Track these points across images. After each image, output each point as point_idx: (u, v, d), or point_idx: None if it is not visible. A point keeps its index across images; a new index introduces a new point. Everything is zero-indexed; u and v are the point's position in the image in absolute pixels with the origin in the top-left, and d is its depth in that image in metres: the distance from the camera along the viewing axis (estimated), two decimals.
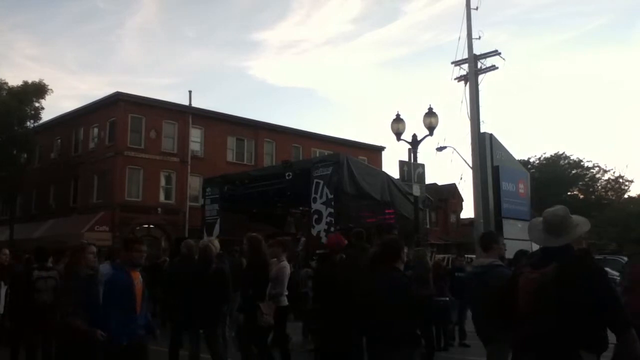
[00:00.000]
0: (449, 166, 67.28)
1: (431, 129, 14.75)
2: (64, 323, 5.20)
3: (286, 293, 7.35)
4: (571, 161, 47.20)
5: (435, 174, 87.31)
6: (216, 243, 7.82)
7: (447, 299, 10.31)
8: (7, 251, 9.84)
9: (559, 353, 3.31)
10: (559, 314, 3.27)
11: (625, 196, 48.73)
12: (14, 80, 64.59)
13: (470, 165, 21.39)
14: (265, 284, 6.89)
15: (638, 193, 52.57)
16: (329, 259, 6.74)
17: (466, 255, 15.67)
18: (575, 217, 3.69)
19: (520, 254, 7.52)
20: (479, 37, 21.44)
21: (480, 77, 21.93)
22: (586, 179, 47.75)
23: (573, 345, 3.27)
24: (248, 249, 7.37)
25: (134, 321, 5.10)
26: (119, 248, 5.53)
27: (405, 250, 6.28)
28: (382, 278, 4.81)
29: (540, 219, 3.72)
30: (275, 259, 7.36)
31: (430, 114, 14.72)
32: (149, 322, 5.42)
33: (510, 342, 3.67)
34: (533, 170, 41.19)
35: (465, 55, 21.71)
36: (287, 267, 7.41)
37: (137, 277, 5.22)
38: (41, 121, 32.61)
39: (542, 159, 47.43)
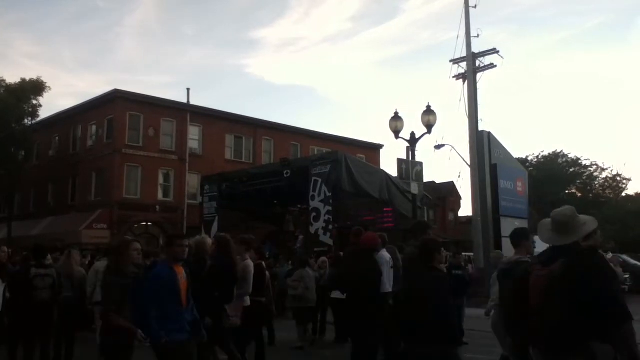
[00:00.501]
0: (447, 164, 67.53)
1: (429, 127, 14.76)
2: (106, 320, 5.13)
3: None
4: (569, 159, 47.22)
5: (434, 172, 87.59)
6: (208, 240, 7.82)
7: None
8: (5, 249, 9.84)
9: (567, 346, 3.42)
10: (566, 308, 3.38)
11: (623, 194, 48.84)
12: (12, 78, 64.44)
13: (469, 163, 21.43)
14: (232, 285, 6.77)
15: (636, 191, 52.84)
16: (368, 258, 6.66)
17: (464, 254, 15.69)
18: (583, 217, 3.81)
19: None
20: (478, 36, 21.51)
21: (479, 75, 21.96)
22: (584, 178, 47.79)
23: (582, 337, 3.38)
24: (216, 249, 7.21)
25: (181, 316, 5.01)
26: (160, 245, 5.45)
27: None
28: (423, 277, 4.91)
29: (549, 219, 3.83)
30: (239, 257, 7.32)
31: (429, 112, 14.72)
32: (196, 319, 5.31)
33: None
34: (531, 169, 41.20)
35: (464, 54, 21.75)
36: (250, 265, 7.35)
37: (181, 272, 5.14)
38: (39, 119, 32.63)
39: (540, 157, 47.46)
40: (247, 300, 7.33)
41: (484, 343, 10.44)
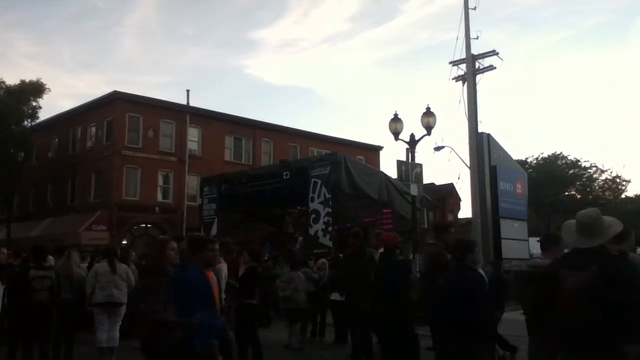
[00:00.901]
0: (447, 166, 67.44)
1: (429, 128, 14.75)
2: (154, 321, 4.95)
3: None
4: (568, 161, 47.20)
5: (433, 174, 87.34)
6: None
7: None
8: (5, 250, 9.83)
9: (601, 348, 3.46)
10: (602, 312, 3.43)
11: (623, 196, 48.85)
12: (12, 79, 64.45)
13: (468, 165, 21.41)
14: None
15: (635, 193, 52.70)
16: (389, 257, 6.65)
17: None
18: (607, 218, 3.83)
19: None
20: (477, 37, 21.46)
21: (478, 77, 21.93)
22: (583, 179, 47.77)
23: (615, 340, 3.44)
24: (188, 250, 7.25)
25: (214, 322, 4.89)
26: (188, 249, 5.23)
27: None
28: (456, 276, 5.01)
29: (574, 221, 3.86)
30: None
31: (428, 113, 14.72)
32: (224, 325, 5.23)
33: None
34: (530, 170, 41.18)
35: (463, 55, 21.71)
36: (222, 269, 7.22)
37: (212, 277, 5.03)
38: (39, 120, 32.60)
39: (539, 158, 47.42)
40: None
41: None
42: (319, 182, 15.83)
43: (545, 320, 3.94)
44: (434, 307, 5.29)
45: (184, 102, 33.03)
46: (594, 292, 3.47)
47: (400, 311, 5.96)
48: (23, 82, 31.15)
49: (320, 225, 15.58)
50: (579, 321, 3.52)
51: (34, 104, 31.49)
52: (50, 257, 8.33)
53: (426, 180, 16.14)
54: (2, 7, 76.51)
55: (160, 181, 31.73)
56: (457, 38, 21.82)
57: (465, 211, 60.63)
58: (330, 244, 15.49)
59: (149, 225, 30.61)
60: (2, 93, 30.64)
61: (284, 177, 17.42)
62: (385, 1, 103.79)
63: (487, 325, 4.73)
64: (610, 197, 46.97)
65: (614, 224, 3.80)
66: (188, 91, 33.36)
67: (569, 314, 3.58)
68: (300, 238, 18.43)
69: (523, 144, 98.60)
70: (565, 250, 5.64)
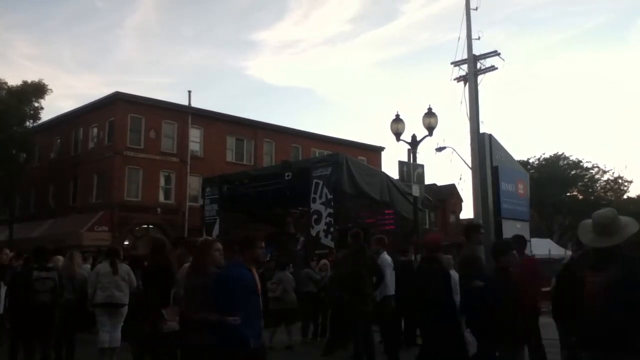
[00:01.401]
0: (449, 166, 67.55)
1: (430, 129, 14.74)
2: (196, 321, 4.97)
3: None
4: (570, 162, 47.15)
5: (435, 174, 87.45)
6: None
7: None
8: (7, 251, 9.84)
9: (624, 347, 3.51)
10: (627, 312, 3.47)
11: (625, 197, 48.75)
12: (12, 79, 64.55)
13: (470, 165, 21.39)
14: (168, 289, 6.56)
15: (637, 193, 52.64)
16: (435, 259, 6.65)
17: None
18: (624, 218, 3.86)
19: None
20: (479, 38, 21.43)
21: (480, 77, 21.93)
22: (585, 180, 47.71)
23: (638, 340, 3.50)
24: (151, 252, 7.07)
25: (259, 321, 4.86)
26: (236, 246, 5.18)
27: None
28: (493, 279, 5.20)
29: (590, 221, 3.89)
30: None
31: (430, 114, 14.72)
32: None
33: None
34: (532, 171, 41.15)
35: (465, 56, 21.70)
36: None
37: (256, 275, 5.01)
38: (40, 121, 32.63)
39: (541, 159, 47.39)
40: None
41: None
42: (321, 182, 15.83)
43: (566, 319, 4.00)
44: (472, 309, 5.36)
45: (185, 103, 33.07)
46: (616, 293, 3.50)
47: (443, 313, 5.96)
48: (25, 82, 31.20)
49: (322, 226, 15.58)
50: (602, 322, 3.56)
51: (36, 104, 31.55)
52: (59, 257, 8.34)
53: (428, 180, 16.12)
54: (2, 7, 76.71)
55: (162, 182, 31.76)
56: (459, 38, 21.79)
57: (467, 212, 60.41)
58: (332, 244, 15.48)
59: (150, 226, 30.63)
60: (4, 94, 30.68)
61: (286, 178, 17.41)
62: (385, 2, 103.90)
63: (514, 329, 4.81)
64: (612, 198, 46.85)
65: (630, 224, 3.82)
66: (190, 92, 33.40)
67: (591, 315, 3.61)
68: (302, 239, 18.42)
69: (525, 144, 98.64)
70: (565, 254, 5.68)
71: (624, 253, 3.73)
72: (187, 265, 7.21)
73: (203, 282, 5.06)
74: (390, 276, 9.04)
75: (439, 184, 46.79)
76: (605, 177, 47.98)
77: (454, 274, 8.65)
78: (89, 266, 10.96)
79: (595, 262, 3.76)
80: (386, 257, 9.15)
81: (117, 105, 30.44)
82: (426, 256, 6.76)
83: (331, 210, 15.52)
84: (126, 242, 27.96)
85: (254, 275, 4.90)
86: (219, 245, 5.49)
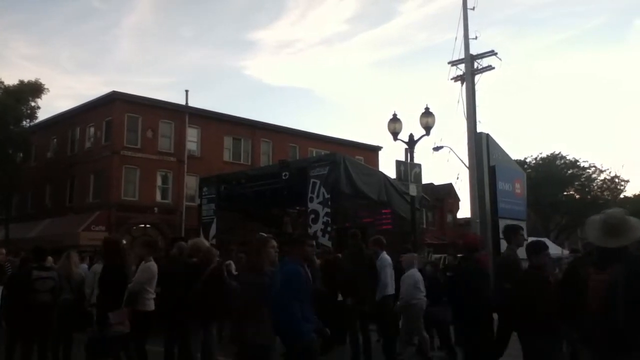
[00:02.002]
0: (446, 166, 67.52)
1: (428, 128, 14.78)
2: (253, 317, 5.04)
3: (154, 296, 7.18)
4: (567, 161, 47.18)
5: (432, 174, 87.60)
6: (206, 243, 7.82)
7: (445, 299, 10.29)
8: (4, 250, 9.83)
9: (628, 347, 3.53)
10: (630, 312, 3.48)
11: (621, 196, 48.80)
12: (10, 79, 64.40)
13: (467, 165, 21.43)
14: (120, 291, 6.50)
15: (634, 193, 52.77)
16: (469, 259, 6.66)
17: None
18: (633, 220, 3.86)
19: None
20: (476, 38, 21.48)
21: (477, 77, 21.96)
22: (582, 179, 47.74)
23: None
24: (104, 252, 7.02)
25: (312, 316, 4.94)
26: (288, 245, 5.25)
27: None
28: (526, 277, 5.36)
29: (598, 217, 3.89)
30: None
31: (427, 113, 14.75)
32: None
33: None
34: (529, 170, 41.17)
35: (462, 56, 21.74)
36: (149, 268, 7.20)
37: (308, 272, 5.16)
38: (37, 120, 32.54)
39: (538, 159, 47.41)
40: (151, 305, 7.13)
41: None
42: (318, 182, 15.81)
43: (568, 318, 4.02)
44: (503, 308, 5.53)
45: (183, 103, 33.03)
46: (620, 292, 3.52)
47: (482, 314, 6.01)
48: (22, 82, 31.09)
49: (319, 226, 15.56)
50: (605, 321, 3.58)
51: (33, 104, 31.45)
52: (49, 258, 8.32)
53: (425, 180, 16.17)
54: (1, 8, 76.47)
55: (159, 181, 31.73)
56: (456, 38, 21.83)
57: (464, 211, 60.70)
58: (329, 244, 15.48)
59: (147, 226, 30.58)
60: (0, 93, 30.58)
61: (283, 178, 17.39)
62: (382, 2, 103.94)
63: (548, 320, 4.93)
64: (609, 197, 46.93)
65: (638, 227, 3.79)
66: (187, 91, 33.34)
67: (594, 314, 3.63)
68: None
69: (522, 144, 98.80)
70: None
71: (629, 252, 3.74)
72: (149, 263, 7.19)
73: (260, 279, 5.11)
74: (390, 276, 9.04)
75: (436, 183, 46.79)
76: (602, 177, 48.07)
77: (415, 272, 9.07)
78: (86, 266, 10.95)
79: (599, 261, 3.76)
80: (386, 256, 9.15)
81: (114, 105, 30.39)
82: (465, 256, 6.83)
83: (328, 210, 15.51)
84: (123, 242, 27.87)
85: (307, 272, 5.05)
86: (274, 243, 5.52)
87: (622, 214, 3.85)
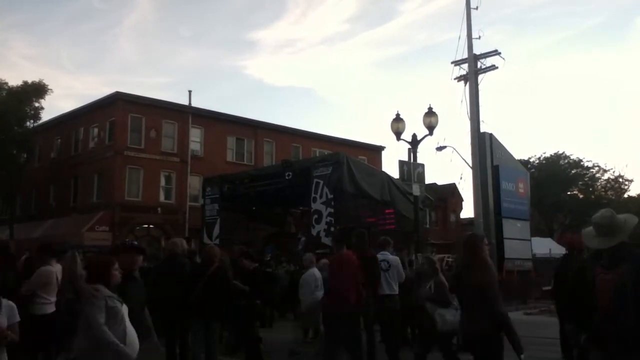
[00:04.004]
0: (449, 166, 67.55)
1: (431, 128, 14.72)
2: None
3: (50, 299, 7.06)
4: (571, 161, 47.08)
5: (435, 174, 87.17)
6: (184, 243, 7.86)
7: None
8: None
9: (638, 347, 3.53)
10: (638, 310, 3.49)
11: (625, 196, 48.71)
12: (12, 80, 64.57)
13: (470, 164, 21.39)
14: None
15: (638, 192, 52.60)
16: (575, 258, 6.62)
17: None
18: (621, 215, 3.93)
19: None
20: (479, 37, 21.46)
21: (480, 76, 21.94)
22: (586, 179, 47.65)
23: None
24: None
25: None
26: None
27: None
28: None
29: (591, 227, 3.95)
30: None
31: (430, 113, 14.70)
32: None
33: None
34: (533, 170, 41.12)
35: (465, 55, 21.71)
36: (46, 272, 7.09)
37: None
38: (41, 121, 32.63)
39: (541, 158, 47.32)
40: (47, 309, 7.01)
41: (506, 347, 10.45)
42: (321, 182, 15.79)
43: (576, 318, 4.01)
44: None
45: (185, 103, 33.08)
46: (627, 291, 3.53)
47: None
48: (25, 83, 31.19)
49: (322, 226, 15.54)
50: (613, 320, 3.58)
51: (36, 104, 31.54)
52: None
53: (428, 180, 16.10)
54: (1, 8, 76.66)
55: (162, 182, 31.76)
56: (459, 38, 21.84)
57: (468, 211, 60.42)
58: (332, 244, 15.47)
59: (151, 226, 30.64)
60: (4, 94, 30.68)
61: (286, 178, 17.37)
62: (382, 2, 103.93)
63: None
64: (613, 197, 46.82)
65: (628, 219, 3.88)
66: (190, 92, 33.40)
67: (602, 313, 3.64)
68: (304, 238, 18.39)
69: (525, 143, 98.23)
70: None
71: (636, 252, 3.76)
72: (45, 267, 7.05)
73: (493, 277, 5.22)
74: (394, 276, 9.03)
75: (439, 183, 46.77)
76: (606, 176, 47.98)
77: (315, 271, 9.36)
78: None
79: (606, 261, 3.78)
80: (392, 257, 9.14)
81: (117, 105, 30.44)
82: (571, 254, 6.83)
83: (332, 210, 15.48)
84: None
85: None
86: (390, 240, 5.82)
87: (609, 212, 3.90)
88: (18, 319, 4.18)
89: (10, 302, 4.19)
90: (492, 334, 4.82)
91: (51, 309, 7.02)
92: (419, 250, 13.67)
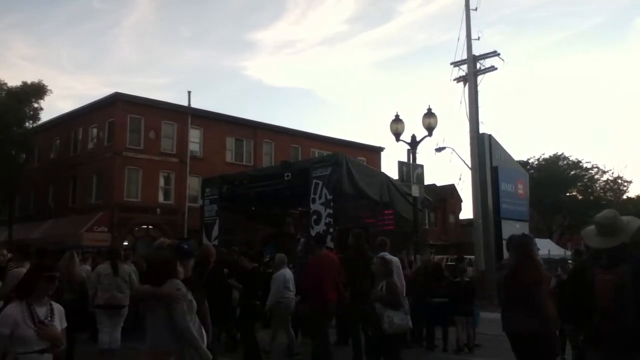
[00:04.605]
0: (448, 167, 67.57)
1: (430, 129, 14.75)
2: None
3: None
4: (570, 162, 47.11)
5: (434, 175, 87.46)
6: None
7: (446, 300, 10.32)
8: (5, 251, 9.82)
9: (637, 348, 3.54)
10: (637, 311, 3.51)
11: (624, 197, 48.75)
12: (11, 80, 64.58)
13: (469, 165, 21.43)
14: None
15: (637, 194, 52.65)
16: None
17: (465, 257, 15.61)
18: (625, 217, 3.95)
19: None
20: (478, 38, 21.53)
21: (479, 77, 21.98)
22: (585, 180, 47.67)
23: None
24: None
25: None
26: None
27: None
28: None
29: (592, 226, 3.96)
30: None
31: (429, 114, 14.72)
32: None
33: None
34: (532, 171, 41.16)
35: (464, 56, 21.76)
36: (18, 274, 6.77)
37: None
38: (40, 121, 32.61)
39: (540, 159, 47.35)
40: None
41: (505, 347, 10.52)
42: (320, 183, 15.78)
43: (575, 317, 4.01)
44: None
45: (185, 103, 33.06)
46: (627, 292, 3.54)
47: None
48: (25, 83, 31.16)
49: (321, 226, 15.52)
50: (612, 321, 3.58)
51: (36, 105, 31.51)
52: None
53: (427, 181, 16.13)
54: (1, 8, 76.66)
55: (161, 182, 31.74)
56: (458, 39, 21.88)
57: (467, 212, 60.50)
58: (331, 244, 15.46)
59: (150, 227, 30.60)
60: (3, 95, 30.65)
61: (285, 178, 17.35)
62: (382, 2, 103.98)
63: None
64: (612, 198, 46.83)
65: (631, 221, 3.89)
66: (189, 92, 33.34)
67: (601, 314, 3.64)
68: (303, 239, 18.39)
69: (524, 144, 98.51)
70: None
71: (635, 253, 3.77)
72: (17, 269, 7.06)
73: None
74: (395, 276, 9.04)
75: (438, 184, 46.83)
76: (605, 177, 48.01)
77: (286, 272, 9.30)
78: (88, 267, 10.96)
79: (606, 262, 3.78)
80: (393, 258, 9.15)
81: (116, 106, 30.41)
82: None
83: (331, 211, 15.48)
84: (126, 243, 27.93)
85: None
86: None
87: (613, 213, 3.92)
88: (66, 324, 4.11)
89: (60, 306, 4.12)
90: (542, 333, 4.82)
91: None
92: (418, 251, 13.69)
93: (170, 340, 4.04)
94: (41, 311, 3.87)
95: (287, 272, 9.47)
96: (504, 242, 20.14)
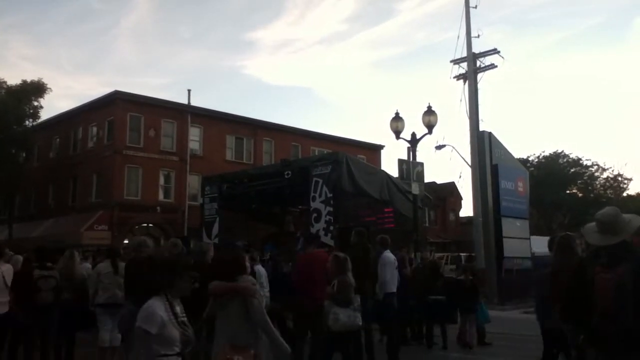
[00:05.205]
0: (448, 164, 67.64)
1: (430, 127, 14.75)
2: None
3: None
4: (570, 160, 47.10)
5: (434, 173, 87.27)
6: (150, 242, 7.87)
7: (443, 298, 10.36)
8: (7, 250, 9.83)
9: (638, 347, 3.52)
10: (638, 310, 3.49)
11: (624, 194, 48.75)
12: (12, 79, 64.49)
13: (469, 163, 21.43)
14: None
15: (637, 191, 52.70)
16: None
17: (461, 254, 15.63)
18: (626, 215, 3.92)
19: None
20: (478, 36, 21.55)
21: (479, 75, 21.98)
22: (585, 177, 47.68)
23: None
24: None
25: None
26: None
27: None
28: None
29: (593, 223, 3.94)
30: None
31: (429, 112, 14.72)
32: None
33: None
34: (532, 169, 41.14)
35: (464, 54, 21.76)
36: (5, 271, 7.16)
37: None
38: (40, 120, 32.58)
39: (541, 157, 47.35)
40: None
41: (502, 344, 10.56)
42: (320, 181, 15.77)
43: (575, 318, 4.00)
44: None
45: (184, 102, 33.02)
46: (627, 290, 3.51)
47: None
48: (24, 82, 31.14)
49: (321, 225, 15.52)
50: (612, 320, 3.57)
51: (35, 104, 31.49)
52: (19, 257, 8.33)
53: (427, 179, 16.14)
54: (1, 8, 76.58)
55: (161, 181, 31.75)
56: (458, 37, 21.87)
57: (467, 210, 60.52)
58: (331, 242, 15.45)
59: (150, 225, 30.61)
60: (3, 93, 30.63)
61: (285, 177, 17.34)
62: (381, 2, 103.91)
63: None
64: (612, 196, 46.87)
65: (633, 219, 3.87)
66: (189, 91, 33.40)
67: (601, 313, 3.62)
68: (302, 238, 18.38)
69: (524, 142, 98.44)
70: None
71: (637, 251, 3.76)
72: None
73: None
74: (392, 274, 9.05)
75: (438, 182, 46.83)
76: (605, 175, 48.03)
77: (259, 269, 9.24)
78: (89, 265, 10.95)
79: (606, 260, 3.78)
80: (388, 254, 9.16)
81: (116, 104, 30.40)
82: None
83: (331, 209, 15.47)
84: (126, 241, 27.94)
85: None
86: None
87: (615, 211, 3.90)
88: None
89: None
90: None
91: (3, 309, 6.98)
92: (418, 249, 13.69)
93: (248, 333, 4.08)
94: (179, 309, 3.66)
95: (260, 269, 9.33)
96: (504, 240, 20.23)
